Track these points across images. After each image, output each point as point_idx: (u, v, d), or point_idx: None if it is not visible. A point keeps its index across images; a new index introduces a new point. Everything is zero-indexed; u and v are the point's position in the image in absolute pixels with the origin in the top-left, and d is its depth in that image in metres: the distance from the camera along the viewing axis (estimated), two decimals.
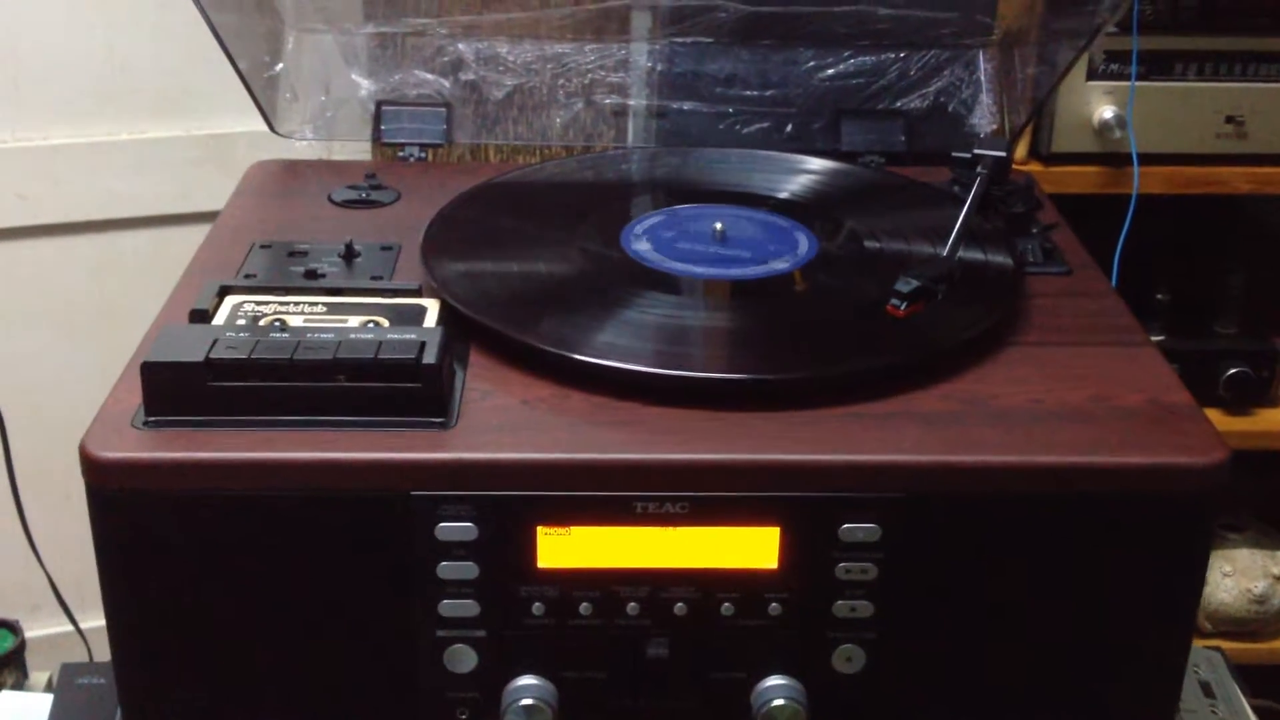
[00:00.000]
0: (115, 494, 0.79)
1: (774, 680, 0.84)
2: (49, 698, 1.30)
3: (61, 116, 1.61)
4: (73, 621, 1.55)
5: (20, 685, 1.49)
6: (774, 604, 0.82)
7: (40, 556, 1.47)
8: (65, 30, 1.57)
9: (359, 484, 0.79)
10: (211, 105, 1.62)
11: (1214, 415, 1.55)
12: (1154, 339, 1.54)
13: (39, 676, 1.47)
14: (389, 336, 0.82)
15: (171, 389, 0.79)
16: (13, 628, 1.49)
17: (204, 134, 1.64)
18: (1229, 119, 1.48)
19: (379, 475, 0.79)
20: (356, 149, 1.39)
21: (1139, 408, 0.85)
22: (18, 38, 1.55)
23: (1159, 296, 1.57)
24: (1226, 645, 1.47)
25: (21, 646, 1.48)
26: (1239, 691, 1.28)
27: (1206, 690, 1.27)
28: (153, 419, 0.80)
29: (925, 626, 0.83)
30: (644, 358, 0.85)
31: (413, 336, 0.82)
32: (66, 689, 1.30)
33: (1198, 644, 1.19)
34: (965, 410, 0.84)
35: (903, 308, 0.90)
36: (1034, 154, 1.51)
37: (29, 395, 1.64)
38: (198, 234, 1.08)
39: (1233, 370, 1.57)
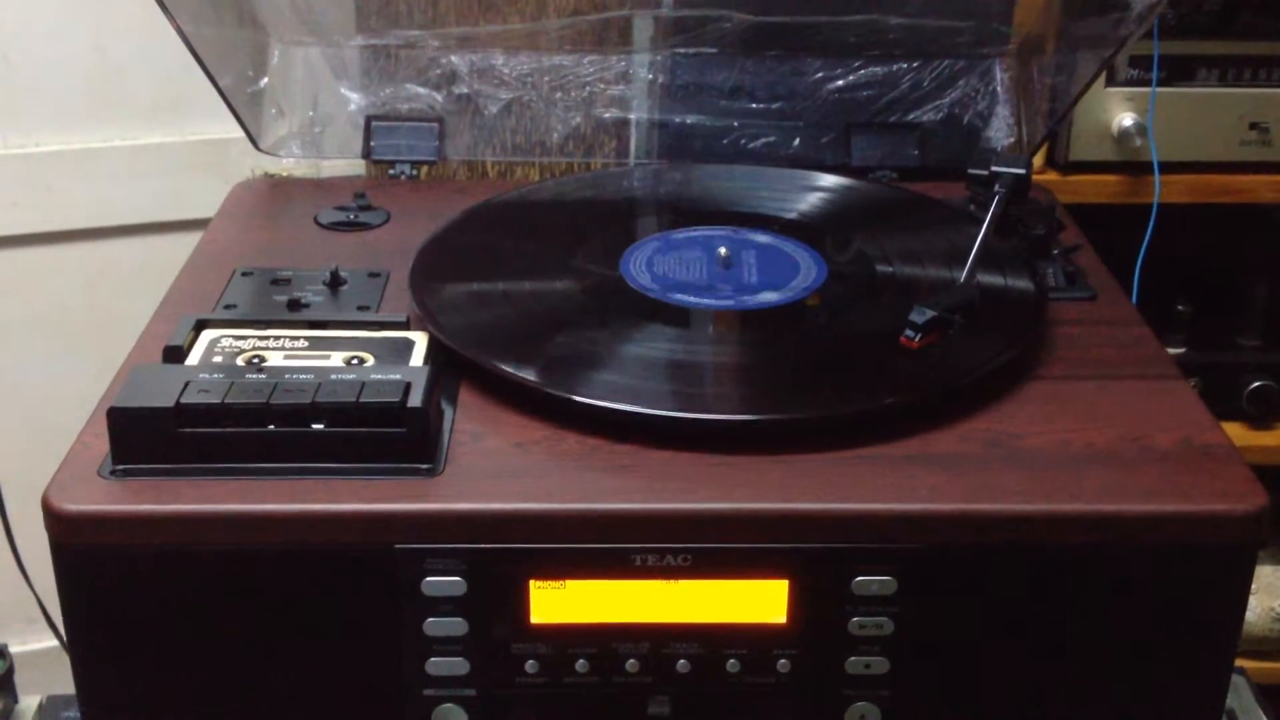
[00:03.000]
0: (80, 548, 0.74)
1: None
2: None
3: (53, 123, 1.58)
4: (60, 640, 1.52)
5: (10, 711, 1.46)
6: (783, 660, 0.78)
7: (27, 572, 1.44)
8: (56, 35, 1.54)
9: (339, 537, 0.75)
10: (206, 110, 1.59)
11: (1236, 429, 1.53)
12: (1175, 351, 1.52)
13: (29, 701, 1.43)
14: (372, 377, 0.77)
15: (140, 436, 0.75)
16: (0, 652, 1.46)
17: (199, 140, 1.60)
18: (1253, 126, 1.44)
19: (361, 527, 0.74)
20: (349, 162, 1.36)
21: (1172, 449, 0.80)
22: (8, 43, 1.52)
23: (1180, 308, 1.53)
24: (1249, 665, 1.43)
25: (10, 672, 1.45)
26: (1265, 717, 1.24)
27: (1231, 717, 1.24)
28: (120, 467, 0.76)
29: (943, 684, 0.79)
30: (644, 398, 0.81)
31: (397, 377, 0.77)
32: None
33: None
34: (986, 452, 0.80)
35: (917, 340, 0.85)
36: (1051, 163, 1.46)
37: (20, 406, 1.62)
38: (193, 241, 1.04)
39: (1256, 384, 1.53)
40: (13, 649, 1.44)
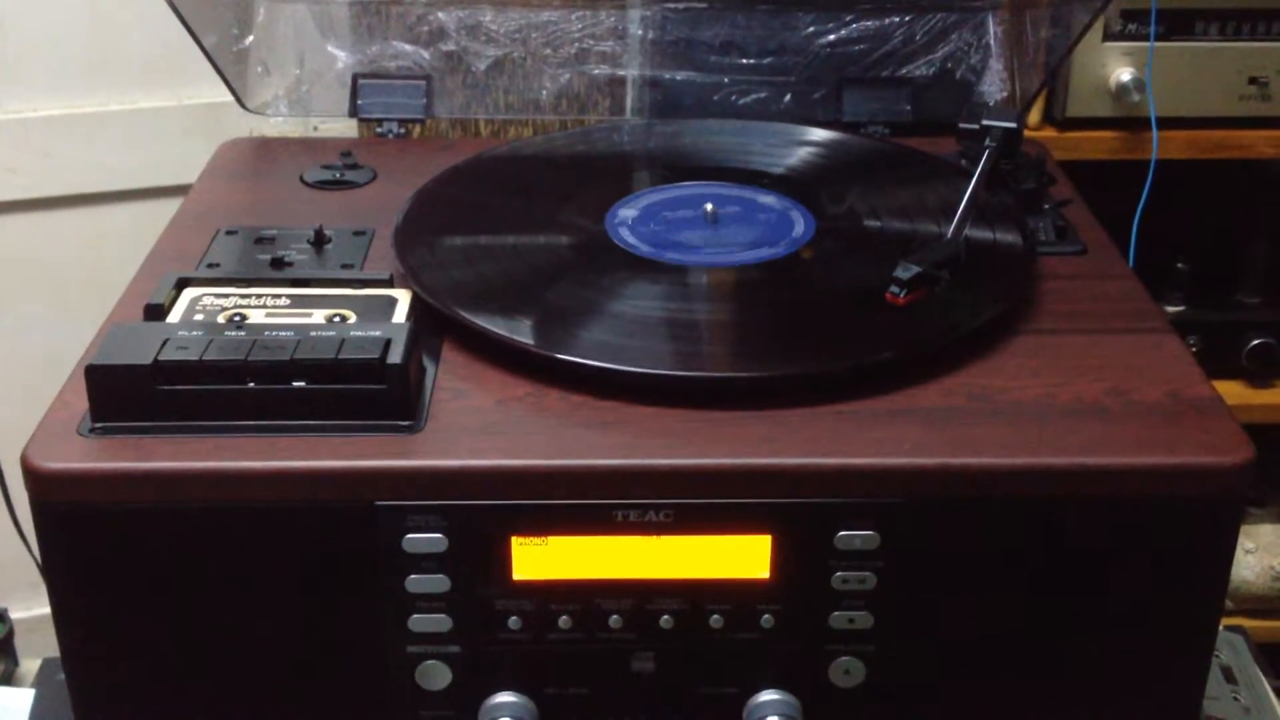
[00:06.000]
0: (59, 506, 0.74)
1: (767, 695, 0.79)
2: (32, 693, 1.27)
3: (50, 88, 1.57)
4: None
5: (10, 674, 1.47)
6: (766, 615, 0.78)
7: (25, 536, 1.44)
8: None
9: (320, 494, 0.74)
10: (204, 74, 1.58)
11: (1236, 387, 1.53)
12: (1174, 309, 1.51)
13: (30, 664, 1.44)
14: (352, 334, 0.77)
15: (118, 393, 0.75)
16: (0, 616, 1.46)
17: (197, 104, 1.60)
18: (1252, 80, 1.43)
19: (341, 484, 0.74)
20: (345, 122, 1.35)
21: (1158, 402, 0.79)
22: (3, 7, 1.52)
23: (1179, 265, 1.52)
24: (1249, 624, 1.43)
25: (10, 635, 1.45)
26: (1262, 675, 1.24)
27: (1228, 675, 1.24)
28: (99, 425, 0.75)
29: (927, 638, 0.79)
30: (626, 355, 0.80)
31: (378, 333, 0.77)
32: (49, 684, 1.27)
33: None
34: (971, 406, 0.79)
35: (902, 295, 0.84)
36: (1048, 119, 1.45)
37: (18, 371, 1.62)
38: None
39: (1256, 341, 1.53)
40: (15, 614, 1.45)
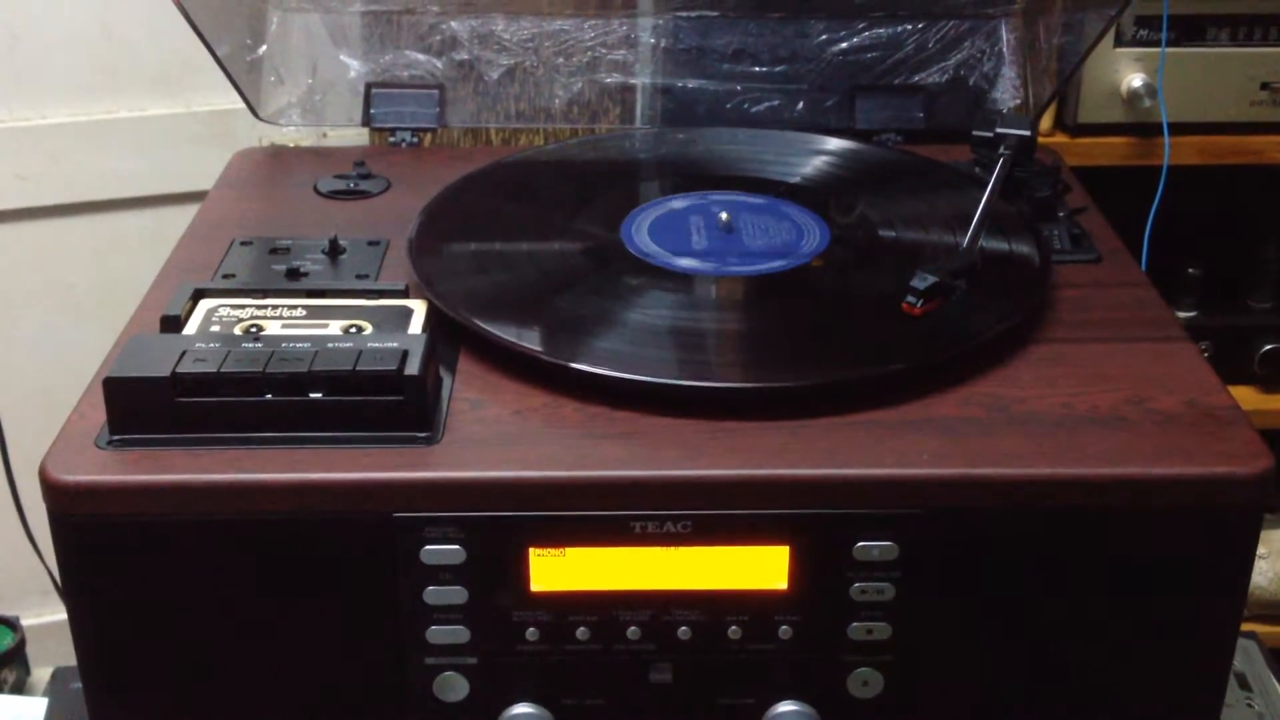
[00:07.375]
0: (78, 519, 0.74)
1: (786, 706, 0.79)
2: (44, 702, 1.27)
3: (59, 94, 1.57)
4: None
5: (22, 682, 1.46)
6: (784, 626, 0.78)
7: (38, 545, 1.44)
8: (62, 6, 1.53)
9: (338, 506, 0.74)
10: (213, 81, 1.58)
11: (1248, 393, 1.53)
12: (1186, 315, 1.51)
13: (41, 673, 1.44)
14: (369, 345, 0.77)
15: (136, 406, 0.75)
16: (12, 625, 1.46)
17: (206, 110, 1.60)
18: (1264, 86, 1.43)
19: (359, 496, 0.74)
20: (357, 131, 1.35)
21: (1176, 411, 0.79)
22: (13, 14, 1.52)
23: (1191, 271, 1.52)
24: (1261, 630, 1.43)
25: (21, 644, 1.45)
26: (1275, 681, 1.24)
27: (1242, 682, 1.24)
28: (117, 438, 0.75)
29: (946, 649, 0.78)
30: (642, 365, 0.80)
31: (395, 345, 0.77)
32: (60, 693, 1.28)
33: None
34: (988, 417, 0.79)
35: (918, 306, 0.84)
36: (1060, 125, 1.45)
37: (30, 380, 1.62)
38: None
39: (1268, 347, 1.53)
40: (26, 622, 1.45)
